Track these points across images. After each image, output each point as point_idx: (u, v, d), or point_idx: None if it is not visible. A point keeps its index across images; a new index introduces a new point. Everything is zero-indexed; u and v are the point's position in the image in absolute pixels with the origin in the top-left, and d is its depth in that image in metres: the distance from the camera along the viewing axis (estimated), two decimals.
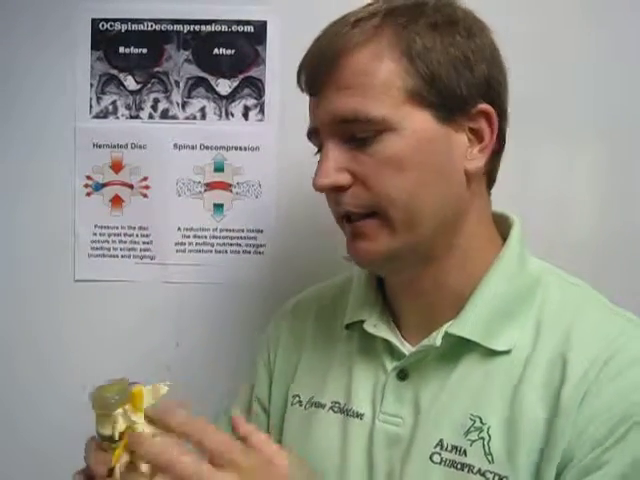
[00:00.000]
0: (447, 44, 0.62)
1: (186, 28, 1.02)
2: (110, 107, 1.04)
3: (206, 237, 1.04)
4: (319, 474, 0.68)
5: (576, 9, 0.97)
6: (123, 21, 1.03)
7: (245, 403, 0.83)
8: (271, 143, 1.02)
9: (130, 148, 1.04)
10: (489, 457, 0.60)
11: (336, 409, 0.70)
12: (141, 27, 1.03)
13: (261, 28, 1.01)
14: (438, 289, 0.67)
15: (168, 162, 1.03)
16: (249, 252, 1.03)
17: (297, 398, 0.75)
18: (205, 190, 1.03)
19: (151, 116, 1.03)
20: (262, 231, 1.03)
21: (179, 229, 1.04)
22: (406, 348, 0.67)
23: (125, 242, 1.04)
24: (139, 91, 1.03)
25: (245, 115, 1.03)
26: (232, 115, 1.03)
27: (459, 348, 0.64)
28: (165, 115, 1.03)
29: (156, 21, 1.03)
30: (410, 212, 0.62)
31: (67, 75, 1.03)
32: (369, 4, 0.65)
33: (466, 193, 0.65)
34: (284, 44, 1.00)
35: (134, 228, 1.04)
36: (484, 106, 0.63)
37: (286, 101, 1.01)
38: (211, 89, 1.03)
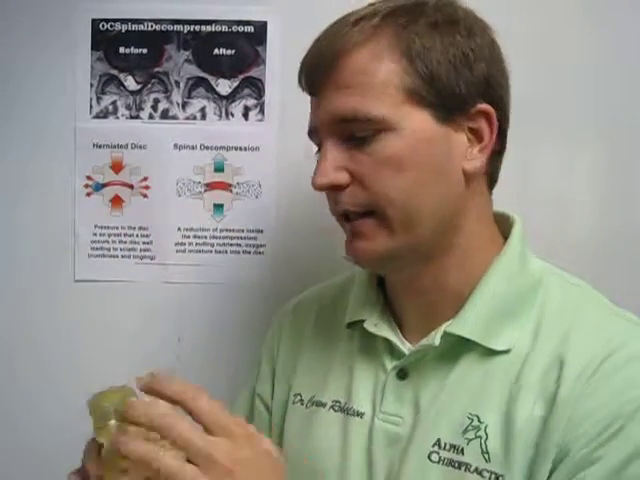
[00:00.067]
0: (447, 44, 0.62)
1: (186, 28, 1.02)
2: (110, 107, 1.04)
3: (206, 237, 1.04)
4: (319, 473, 0.69)
5: (577, 9, 0.97)
6: (123, 21, 1.03)
7: (246, 407, 0.83)
8: (271, 143, 1.02)
9: (130, 148, 1.04)
10: (486, 456, 0.60)
11: (337, 408, 0.70)
12: (141, 27, 1.03)
13: (261, 28, 1.01)
14: (438, 288, 0.67)
15: (168, 162, 1.03)
16: (249, 252, 1.03)
17: (298, 397, 0.75)
18: (205, 190, 1.03)
19: (151, 116, 1.03)
20: (262, 231, 1.03)
21: (179, 229, 1.04)
22: (406, 347, 0.67)
23: (125, 242, 1.04)
24: (139, 91, 1.03)
25: (245, 115, 1.03)
26: (232, 115, 1.03)
27: (458, 347, 0.64)
28: (165, 115, 1.03)
29: (156, 21, 1.03)
30: (408, 212, 0.62)
31: (67, 75, 1.03)
32: (370, 4, 0.65)
33: (466, 193, 0.65)
34: (284, 44, 1.00)
35: (134, 228, 1.04)
36: (484, 106, 0.63)
37: (286, 101, 1.01)
38: (211, 89, 1.03)
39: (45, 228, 1.04)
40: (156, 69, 1.03)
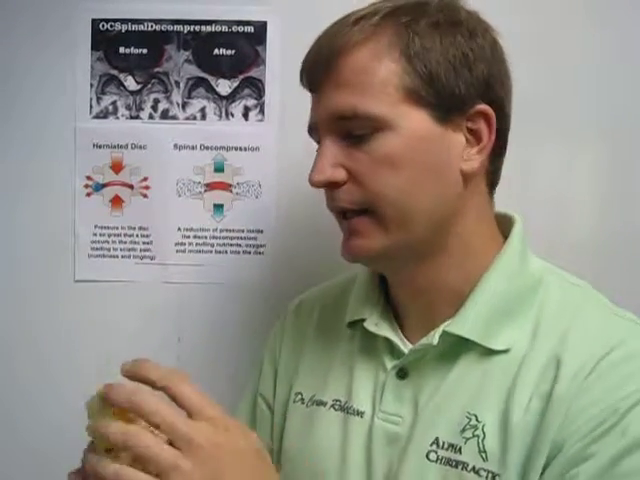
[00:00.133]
0: (447, 44, 0.62)
1: (186, 28, 1.02)
2: (110, 107, 1.04)
3: (206, 237, 1.04)
4: (320, 474, 0.69)
5: (578, 9, 0.97)
6: (123, 21, 1.03)
7: (248, 406, 0.84)
8: (271, 143, 1.02)
9: (130, 148, 1.04)
10: (483, 455, 0.60)
11: (337, 407, 0.70)
12: (141, 27, 1.03)
13: (261, 28, 1.01)
14: (436, 287, 0.67)
15: (168, 162, 1.03)
16: (249, 252, 1.03)
17: (299, 396, 0.75)
18: (205, 190, 1.03)
19: (151, 116, 1.03)
20: (262, 231, 1.03)
21: (179, 229, 1.04)
22: (407, 347, 0.67)
23: (125, 242, 1.04)
24: (139, 91, 1.03)
25: (245, 115, 1.03)
26: (232, 115, 1.03)
27: (458, 347, 0.64)
28: (165, 115, 1.03)
29: (156, 21, 1.03)
30: (403, 210, 0.63)
31: (67, 75, 1.03)
32: (372, 4, 0.65)
33: (464, 193, 0.65)
34: (284, 44, 1.00)
35: (134, 228, 1.04)
36: (482, 107, 0.63)
37: (286, 101, 1.01)
38: (211, 89, 1.03)
39: (45, 228, 1.04)
40: (156, 69, 1.03)
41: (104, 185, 1.04)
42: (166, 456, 0.49)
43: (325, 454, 0.69)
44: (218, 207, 1.03)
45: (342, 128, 0.64)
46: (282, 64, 1.01)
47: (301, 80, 0.68)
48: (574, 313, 0.63)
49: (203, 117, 1.03)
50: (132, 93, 1.03)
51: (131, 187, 1.04)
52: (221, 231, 1.04)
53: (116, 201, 1.04)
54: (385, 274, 0.72)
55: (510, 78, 0.67)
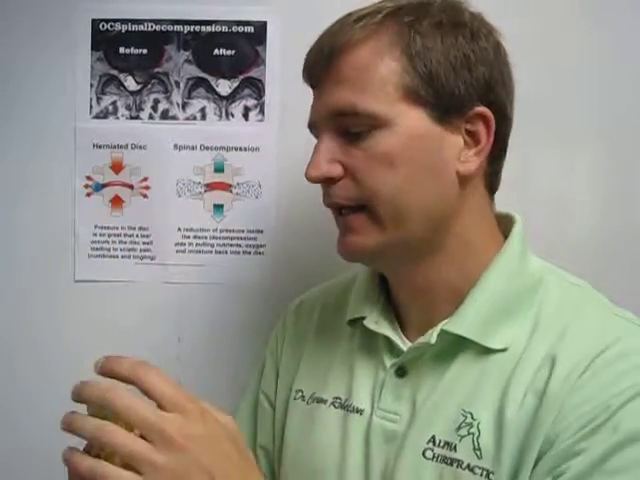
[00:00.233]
0: (448, 44, 0.62)
1: (186, 29, 1.02)
2: (110, 107, 1.04)
3: (206, 237, 1.04)
4: (319, 472, 0.69)
5: (577, 10, 0.97)
6: (123, 21, 1.03)
7: (250, 404, 0.84)
8: (271, 143, 1.02)
9: (130, 148, 1.04)
10: (477, 452, 0.60)
11: (337, 405, 0.71)
12: (141, 27, 1.03)
13: (261, 28, 1.01)
14: (436, 287, 0.67)
15: (168, 162, 1.03)
16: (249, 252, 1.03)
17: (300, 393, 0.75)
18: (205, 191, 1.03)
19: (151, 116, 1.03)
20: (262, 231, 1.03)
21: (179, 229, 1.04)
22: (406, 345, 0.68)
23: (125, 242, 1.04)
24: (139, 91, 1.03)
25: (245, 115, 1.03)
26: (232, 115, 1.03)
27: (456, 345, 0.64)
28: (165, 116, 1.03)
29: (156, 22, 1.03)
30: (398, 208, 0.63)
31: (67, 75, 1.03)
32: (375, 3, 0.66)
33: (461, 194, 0.65)
34: (284, 44, 1.01)
35: (134, 228, 1.04)
36: (482, 109, 0.63)
37: (286, 101, 1.01)
38: (211, 89, 1.03)
39: (45, 228, 1.04)
40: (156, 69, 1.03)
41: (104, 185, 1.04)
42: (139, 450, 0.49)
43: (325, 451, 0.70)
44: (218, 207, 1.04)
45: (340, 125, 0.64)
46: (282, 64, 1.01)
47: (303, 76, 0.69)
48: (573, 312, 0.63)
49: (203, 117, 1.03)
50: (132, 93, 1.03)
51: (131, 187, 1.04)
52: (221, 231, 1.04)
53: (116, 201, 1.04)
54: (385, 273, 0.72)
55: (512, 81, 0.67)
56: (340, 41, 0.63)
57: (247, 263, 1.03)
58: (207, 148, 1.03)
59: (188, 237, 1.04)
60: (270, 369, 0.82)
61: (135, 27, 1.03)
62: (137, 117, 1.04)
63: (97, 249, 1.04)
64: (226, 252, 1.04)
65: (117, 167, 1.04)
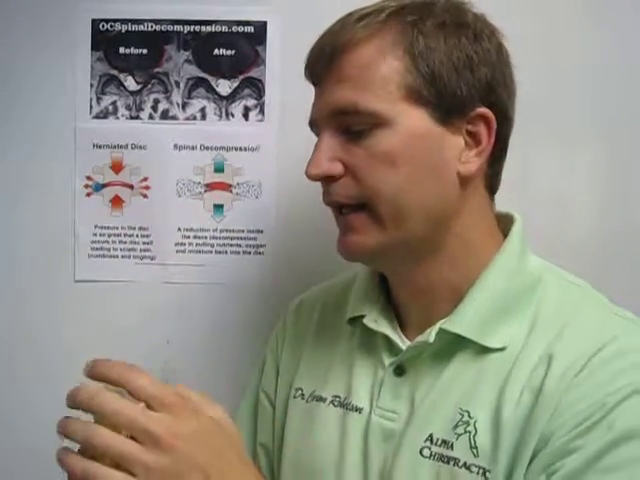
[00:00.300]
0: (451, 45, 0.62)
1: (186, 29, 1.02)
2: (110, 107, 1.04)
3: (206, 237, 1.04)
4: (318, 471, 0.69)
5: (576, 10, 0.97)
6: (123, 21, 1.03)
7: (251, 402, 0.84)
8: (271, 143, 1.02)
9: (130, 148, 1.04)
10: (474, 450, 0.60)
11: (336, 403, 0.71)
12: (141, 27, 1.03)
13: (261, 28, 1.01)
14: (434, 286, 0.67)
15: (168, 162, 1.03)
16: (249, 252, 1.03)
17: (300, 391, 0.75)
18: (205, 191, 1.03)
19: (151, 116, 1.03)
20: (262, 231, 1.03)
21: (179, 229, 1.04)
22: (405, 344, 0.68)
23: (125, 242, 1.04)
24: (139, 91, 1.03)
25: (245, 115, 1.03)
26: (232, 115, 1.03)
27: (455, 344, 0.64)
28: (165, 116, 1.03)
29: (156, 21, 1.03)
30: (398, 207, 0.63)
31: (67, 75, 1.03)
32: (378, 2, 0.66)
33: (462, 195, 0.65)
34: (284, 44, 1.01)
35: (134, 228, 1.04)
36: (483, 110, 0.63)
37: (286, 101, 1.01)
38: (211, 89, 1.03)
39: (45, 228, 1.04)
40: (156, 69, 1.03)
41: (104, 185, 1.04)
42: (129, 451, 0.49)
43: (323, 449, 0.70)
44: (218, 207, 1.03)
45: (341, 123, 0.64)
46: (282, 64, 1.01)
47: (305, 74, 0.69)
48: (572, 311, 0.63)
49: (203, 117, 1.03)
50: (132, 93, 1.03)
51: (131, 187, 1.04)
52: (221, 231, 1.04)
53: (116, 201, 1.04)
54: (385, 273, 0.72)
55: (514, 82, 0.67)
56: (342, 40, 0.63)
57: (247, 263, 1.03)
58: (207, 148, 1.03)
59: (188, 237, 1.04)
60: (270, 368, 0.82)
61: (135, 27, 1.03)
62: (137, 117, 1.04)
63: (97, 249, 1.04)
64: (226, 252, 1.04)
65: (117, 167, 1.04)
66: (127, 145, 1.03)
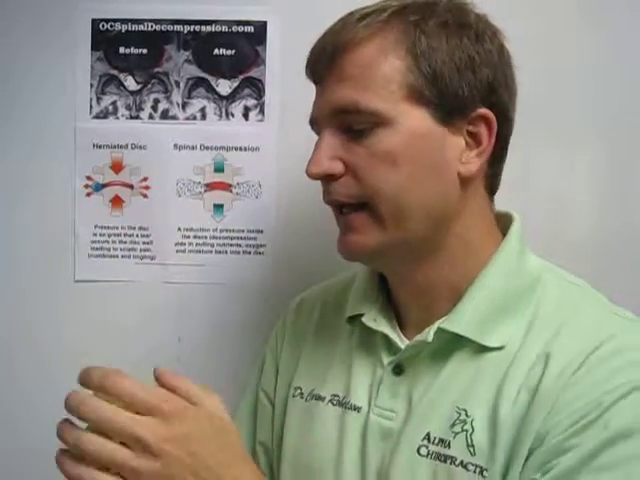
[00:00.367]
0: (453, 45, 0.62)
1: (186, 28, 1.02)
2: (110, 107, 1.04)
3: (206, 237, 1.04)
4: (317, 471, 0.69)
5: (575, 10, 0.97)
6: (123, 21, 1.03)
7: (250, 401, 0.84)
8: (271, 143, 1.02)
9: (130, 148, 1.04)
10: (471, 449, 0.60)
11: (335, 402, 0.71)
12: (141, 27, 1.03)
13: (261, 28, 1.01)
14: (435, 286, 0.67)
15: (168, 162, 1.03)
16: (249, 252, 1.04)
17: (299, 390, 0.75)
18: (205, 190, 1.03)
19: (151, 116, 1.03)
20: (262, 231, 1.03)
21: (179, 229, 1.04)
22: (404, 343, 0.68)
23: (125, 242, 1.04)
24: (139, 91, 1.03)
25: (245, 115, 1.03)
26: (232, 115, 1.03)
27: (453, 343, 0.65)
28: (165, 115, 1.03)
29: (156, 21, 1.03)
30: (399, 206, 0.63)
31: (67, 75, 1.03)
32: (380, 2, 0.65)
33: (462, 195, 0.65)
34: (284, 44, 1.01)
35: (134, 228, 1.04)
36: (484, 111, 0.63)
37: (286, 101, 1.01)
38: (211, 89, 1.03)
39: (45, 228, 1.04)
40: (156, 69, 1.03)
41: (104, 185, 1.04)
42: (119, 457, 0.50)
43: (322, 448, 0.70)
44: (218, 207, 1.04)
45: (342, 122, 0.64)
46: (282, 64, 1.01)
47: (306, 73, 0.69)
48: (570, 311, 0.63)
49: (203, 117, 1.03)
50: (132, 93, 1.03)
51: (131, 187, 1.04)
52: (221, 231, 1.04)
53: (116, 201, 1.04)
54: (384, 272, 0.72)
55: (515, 83, 0.67)
56: (344, 38, 0.63)
57: (247, 263, 1.03)
58: (207, 148, 1.03)
59: (188, 237, 1.04)
60: (270, 367, 0.82)
61: (135, 27, 1.03)
62: (137, 117, 1.04)
63: (97, 249, 1.04)
64: (226, 252, 1.04)
65: (117, 167, 1.04)
66: (127, 145, 1.04)
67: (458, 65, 0.62)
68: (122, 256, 1.04)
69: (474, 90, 0.63)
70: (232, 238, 1.04)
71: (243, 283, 1.03)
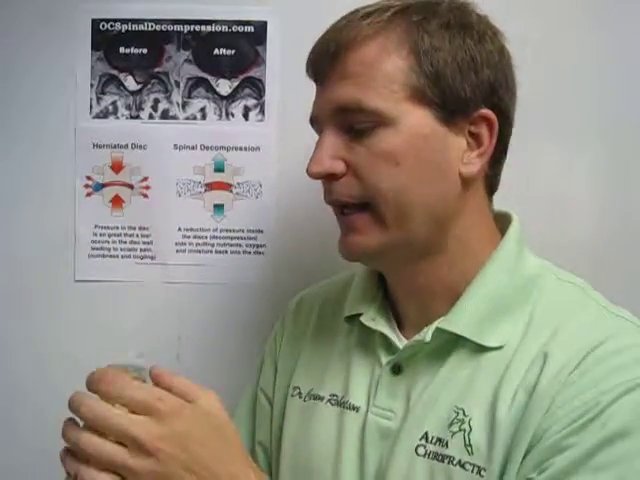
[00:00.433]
0: (456, 45, 0.62)
1: (186, 28, 1.02)
2: (110, 107, 1.04)
3: (206, 237, 1.04)
4: (315, 471, 0.69)
5: (577, 11, 0.97)
6: (123, 21, 1.03)
7: (249, 401, 0.84)
8: (271, 143, 1.02)
9: (130, 148, 1.04)
10: (469, 448, 0.60)
11: (334, 402, 0.71)
12: (141, 27, 1.03)
13: (261, 28, 1.01)
14: (432, 285, 0.67)
15: (168, 162, 1.03)
16: (249, 252, 1.03)
17: (297, 390, 0.75)
18: (205, 190, 1.03)
19: (151, 116, 1.03)
20: (262, 231, 1.03)
21: (179, 229, 1.04)
22: (402, 343, 0.68)
23: (125, 242, 1.04)
24: (139, 91, 1.03)
25: (245, 115, 1.03)
26: (232, 115, 1.03)
27: (451, 343, 0.65)
28: (165, 115, 1.03)
29: (156, 21, 1.03)
30: (401, 206, 0.63)
31: (67, 75, 1.03)
32: (382, 1, 0.65)
33: (463, 195, 0.65)
34: (284, 44, 1.01)
35: (134, 228, 1.04)
36: (485, 111, 0.64)
37: (286, 101, 1.01)
38: (211, 89, 1.03)
39: (45, 228, 1.04)
40: (156, 69, 1.03)
41: (104, 185, 1.04)
42: (116, 456, 0.50)
43: (321, 448, 0.70)
44: (218, 207, 1.04)
45: (344, 121, 0.64)
46: (282, 64, 1.01)
47: (307, 71, 0.68)
48: (568, 310, 0.63)
49: (203, 117, 1.03)
50: (132, 93, 1.03)
51: (131, 187, 1.04)
52: (221, 231, 1.04)
53: (116, 201, 1.04)
54: (383, 272, 0.72)
55: (515, 84, 0.67)
56: (347, 37, 0.63)
57: (247, 263, 1.03)
58: (207, 148, 1.03)
59: (188, 237, 1.04)
60: (269, 366, 0.82)
61: (135, 27, 1.03)
62: (137, 117, 1.04)
63: (97, 249, 1.04)
64: (226, 252, 1.04)
65: (117, 167, 1.04)
66: (127, 145, 1.03)
67: (460, 65, 0.62)
68: (122, 256, 1.04)
69: (476, 90, 0.63)
70: (232, 238, 1.04)
71: (243, 283, 1.03)
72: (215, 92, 1.03)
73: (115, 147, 1.04)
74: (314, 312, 0.80)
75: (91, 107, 1.04)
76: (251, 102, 1.02)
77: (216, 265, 1.04)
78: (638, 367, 0.58)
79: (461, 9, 0.65)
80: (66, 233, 1.04)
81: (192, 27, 1.02)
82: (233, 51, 1.02)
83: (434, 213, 0.64)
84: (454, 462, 0.60)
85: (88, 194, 1.04)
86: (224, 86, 1.03)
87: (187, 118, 1.03)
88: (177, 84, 1.03)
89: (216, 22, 1.02)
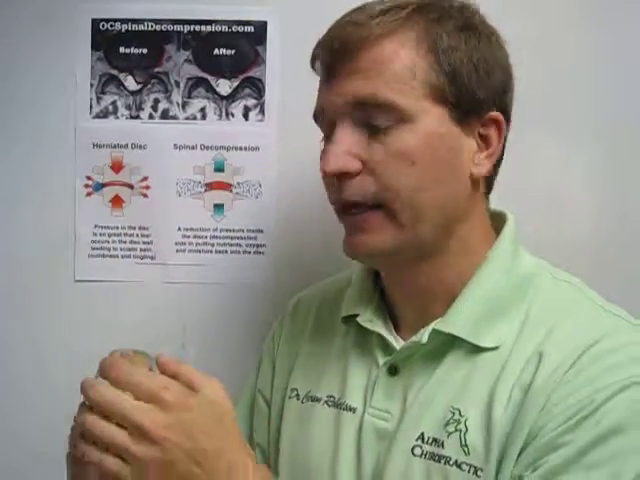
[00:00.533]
0: (471, 46, 0.62)
1: (186, 28, 1.02)
2: (110, 107, 1.04)
3: (206, 237, 1.04)
4: (313, 471, 0.69)
5: (574, 10, 0.97)
6: (123, 21, 1.03)
7: (247, 402, 0.84)
8: (271, 143, 1.02)
9: (130, 148, 1.04)
10: (465, 449, 0.60)
11: (330, 403, 0.71)
12: (141, 27, 1.03)
13: (261, 28, 1.01)
14: (431, 286, 0.67)
15: (168, 162, 1.03)
16: (249, 252, 1.03)
17: (295, 392, 0.75)
18: (205, 190, 1.03)
19: (151, 116, 1.03)
20: (262, 231, 1.03)
21: (179, 229, 1.04)
22: (399, 344, 0.68)
23: (125, 242, 1.04)
24: (139, 91, 1.03)
25: (245, 115, 1.03)
26: (232, 115, 1.03)
27: (448, 344, 0.65)
28: (165, 115, 1.03)
29: (156, 21, 1.03)
30: (415, 207, 0.62)
31: (67, 75, 1.03)
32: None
33: (471, 196, 0.65)
34: (284, 44, 1.01)
35: (134, 228, 1.04)
36: (496, 113, 0.64)
37: (286, 101, 1.01)
38: (211, 89, 1.03)
39: (45, 228, 1.04)
40: (156, 69, 1.03)
41: (104, 185, 1.04)
42: (120, 442, 0.51)
43: (318, 449, 0.70)
44: (218, 207, 1.04)
45: (359, 116, 0.62)
46: (282, 64, 1.01)
47: (312, 65, 0.67)
48: (563, 309, 0.64)
49: (203, 117, 1.03)
50: (132, 93, 1.03)
51: (131, 187, 1.04)
52: (221, 231, 1.04)
53: (116, 201, 1.04)
54: (383, 273, 0.72)
55: (514, 86, 0.68)
56: (364, 33, 0.61)
57: (247, 263, 1.03)
58: (207, 148, 1.03)
59: (188, 237, 1.04)
60: (267, 365, 0.82)
61: (135, 27, 1.03)
62: (137, 117, 1.04)
63: (97, 249, 1.04)
64: (226, 252, 1.04)
65: (117, 167, 1.04)
66: (127, 145, 1.03)
67: (476, 66, 0.62)
68: (122, 256, 1.04)
69: (489, 92, 0.63)
70: (232, 238, 1.04)
71: (243, 283, 1.03)
72: (215, 92, 1.03)
73: (115, 147, 1.04)
74: (311, 313, 0.80)
75: (91, 107, 1.04)
76: (251, 102, 1.02)
77: (216, 265, 1.04)
78: (634, 365, 0.58)
79: (470, 11, 0.65)
80: (66, 233, 1.04)
81: (192, 27, 1.02)
82: (233, 51, 1.02)
83: (446, 214, 0.64)
84: (450, 462, 0.60)
85: (88, 194, 1.04)
86: (224, 86, 1.03)
87: (187, 118, 1.03)
88: (177, 84, 1.03)
89: (216, 22, 1.02)
